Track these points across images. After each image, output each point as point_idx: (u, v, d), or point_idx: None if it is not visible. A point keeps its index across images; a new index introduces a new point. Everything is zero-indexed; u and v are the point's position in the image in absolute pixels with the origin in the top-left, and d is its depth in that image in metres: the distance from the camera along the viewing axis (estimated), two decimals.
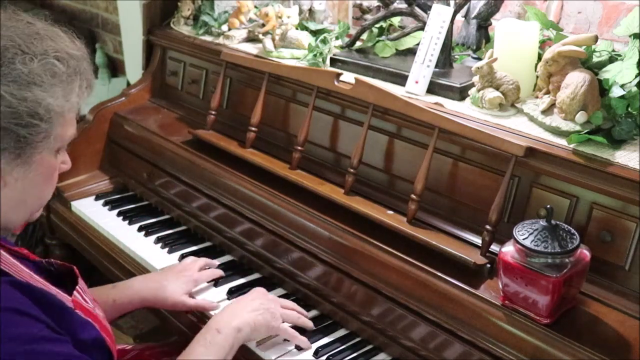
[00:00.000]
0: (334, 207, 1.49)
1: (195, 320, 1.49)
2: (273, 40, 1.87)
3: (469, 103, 1.48)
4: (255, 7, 2.03)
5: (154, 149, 1.93)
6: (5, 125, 0.96)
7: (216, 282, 1.57)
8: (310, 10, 1.99)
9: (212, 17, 2.09)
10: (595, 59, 1.39)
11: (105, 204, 1.95)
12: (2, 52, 0.97)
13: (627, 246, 1.19)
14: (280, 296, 1.49)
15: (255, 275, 1.61)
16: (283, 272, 1.55)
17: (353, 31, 1.89)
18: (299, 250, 1.51)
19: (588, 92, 1.29)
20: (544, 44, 1.56)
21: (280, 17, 1.87)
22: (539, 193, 1.30)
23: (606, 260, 1.21)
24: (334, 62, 1.76)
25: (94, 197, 1.99)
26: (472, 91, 1.48)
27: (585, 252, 1.15)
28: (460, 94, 1.52)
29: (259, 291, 1.42)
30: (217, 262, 1.63)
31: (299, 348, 1.37)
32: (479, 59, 1.60)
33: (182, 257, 1.68)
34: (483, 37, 1.69)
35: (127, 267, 1.73)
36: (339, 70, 1.64)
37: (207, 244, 1.75)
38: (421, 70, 1.56)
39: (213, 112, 1.84)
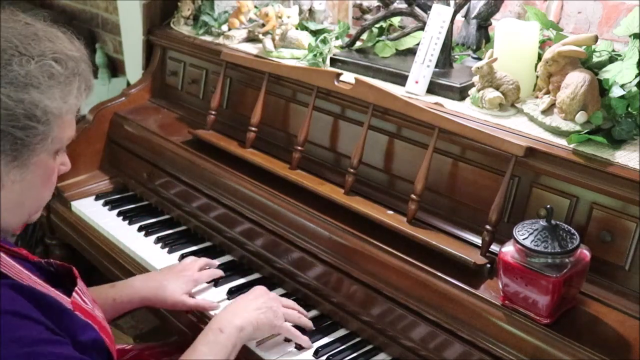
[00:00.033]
0: (334, 207, 1.49)
1: (195, 320, 1.49)
2: (273, 40, 1.87)
3: (469, 103, 1.48)
4: (255, 7, 2.03)
5: (154, 149, 1.92)
6: (2, 128, 0.95)
7: (216, 282, 1.57)
8: (310, 10, 1.99)
9: (212, 17, 2.09)
10: (595, 59, 1.39)
11: (105, 204, 1.95)
12: None
13: (627, 246, 1.19)
14: (280, 296, 1.48)
15: (255, 275, 1.61)
16: (283, 272, 1.55)
17: (353, 31, 1.89)
18: (299, 250, 1.51)
19: (588, 92, 1.29)
20: (544, 44, 1.55)
21: (280, 17, 1.87)
22: (539, 193, 1.30)
23: (606, 260, 1.21)
24: (334, 62, 1.76)
25: (94, 197, 2.00)
26: (472, 91, 1.48)
27: (585, 252, 1.15)
28: (460, 94, 1.52)
29: (260, 289, 1.40)
30: (217, 262, 1.63)
31: (299, 347, 1.36)
32: (479, 59, 1.60)
33: (182, 257, 1.68)
34: (483, 37, 1.69)
35: (127, 267, 1.73)
36: (339, 70, 1.64)
37: (207, 244, 1.75)
38: (421, 70, 1.56)
39: (213, 112, 1.84)
